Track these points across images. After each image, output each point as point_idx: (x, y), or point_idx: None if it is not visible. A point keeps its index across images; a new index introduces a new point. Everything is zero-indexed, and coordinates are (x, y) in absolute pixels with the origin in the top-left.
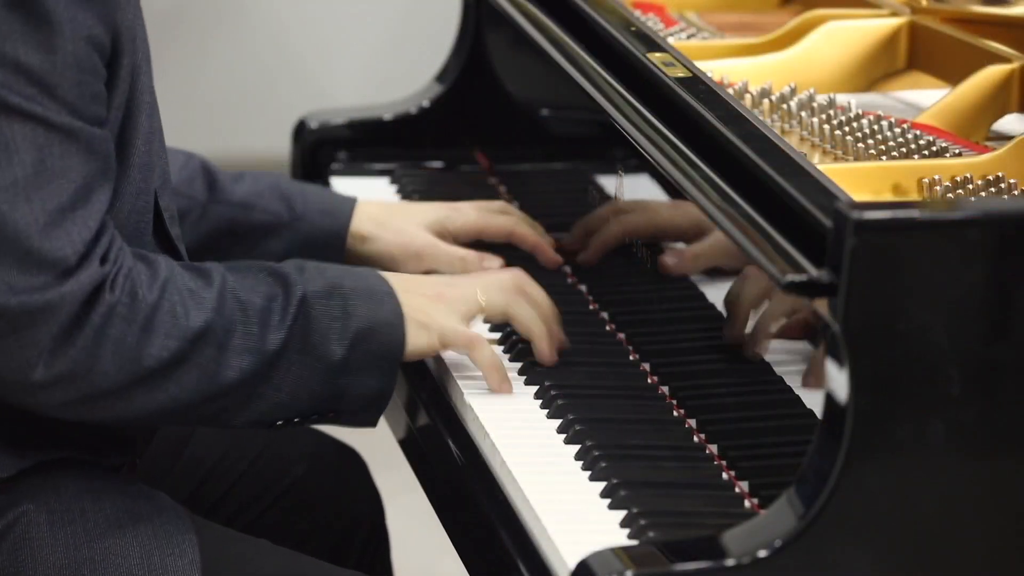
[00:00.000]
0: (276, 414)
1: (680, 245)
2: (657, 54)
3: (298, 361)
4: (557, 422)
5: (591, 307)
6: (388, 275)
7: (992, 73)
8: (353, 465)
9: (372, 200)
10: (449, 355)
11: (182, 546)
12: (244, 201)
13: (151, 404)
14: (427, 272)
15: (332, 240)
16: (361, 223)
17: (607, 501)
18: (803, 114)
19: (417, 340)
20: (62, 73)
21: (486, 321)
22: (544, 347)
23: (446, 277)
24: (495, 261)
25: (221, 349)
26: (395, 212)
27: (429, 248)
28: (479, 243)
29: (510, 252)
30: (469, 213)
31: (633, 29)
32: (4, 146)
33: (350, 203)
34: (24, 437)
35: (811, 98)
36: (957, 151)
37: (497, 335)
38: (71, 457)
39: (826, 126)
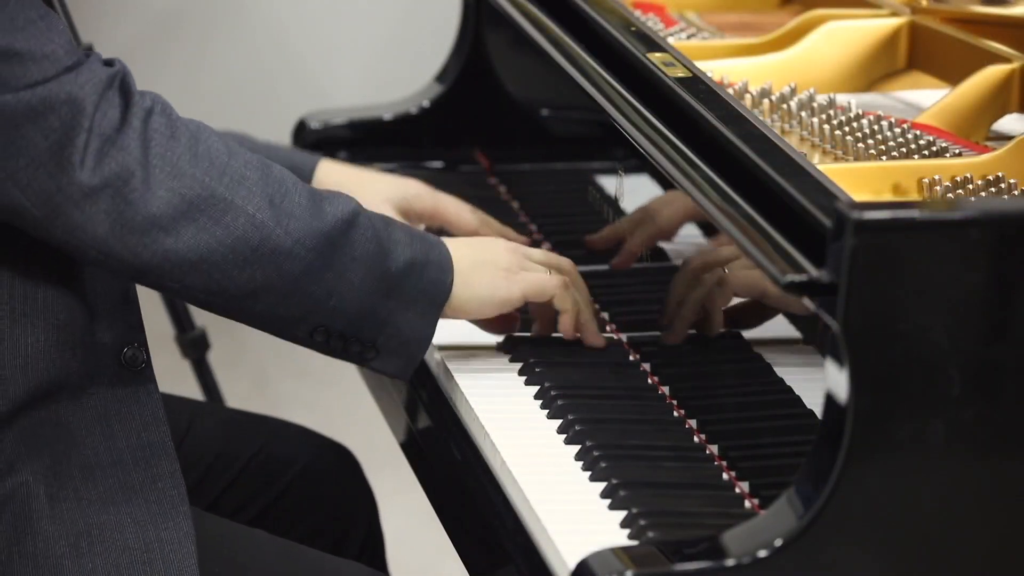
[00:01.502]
0: (319, 318)
1: (684, 240)
2: (657, 54)
3: (351, 267)
4: (557, 422)
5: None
6: (449, 240)
7: (992, 73)
8: (347, 465)
9: (340, 165)
10: (449, 355)
11: (176, 519)
12: None
13: (196, 245)
14: None
15: None
16: (328, 187)
17: (607, 501)
18: (803, 114)
19: (499, 292)
20: None
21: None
22: (594, 329)
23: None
24: None
25: (272, 205)
26: (361, 180)
27: None
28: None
29: None
30: (441, 200)
31: (633, 29)
32: None
33: (312, 160)
34: (11, 370)
35: (811, 98)
36: (957, 151)
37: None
38: (61, 385)
39: (826, 126)
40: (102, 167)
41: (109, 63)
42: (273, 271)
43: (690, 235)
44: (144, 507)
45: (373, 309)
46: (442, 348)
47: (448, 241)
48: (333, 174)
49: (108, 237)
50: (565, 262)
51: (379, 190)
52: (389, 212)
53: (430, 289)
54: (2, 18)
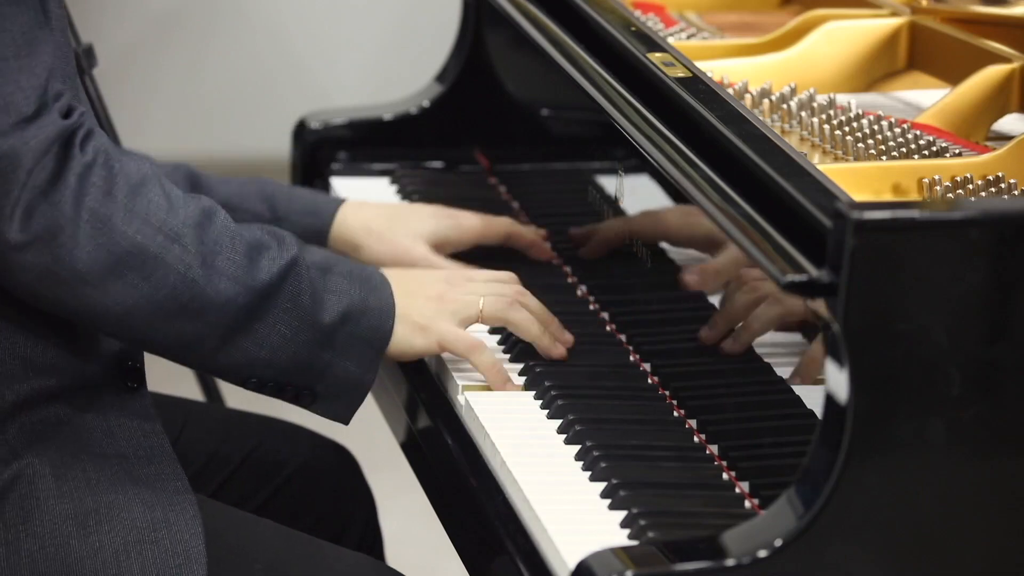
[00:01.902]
0: (253, 370)
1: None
2: (657, 54)
3: (284, 319)
4: (557, 422)
5: (591, 307)
6: (389, 272)
7: (992, 73)
8: (345, 464)
9: (370, 203)
10: (449, 355)
11: (183, 505)
12: (226, 202)
13: (124, 300)
14: None
15: (314, 239)
16: (354, 230)
17: (607, 501)
18: (803, 114)
19: (415, 341)
20: None
21: (484, 324)
22: (546, 344)
23: (446, 275)
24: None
25: (204, 264)
26: (393, 221)
27: (423, 263)
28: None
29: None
30: (465, 223)
31: (633, 29)
32: None
33: (335, 203)
34: (12, 367)
35: (811, 98)
36: (957, 151)
37: (497, 336)
38: (63, 387)
39: (826, 126)
40: (31, 223)
41: (68, 114)
42: (203, 326)
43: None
44: (150, 491)
45: (308, 360)
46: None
47: (397, 283)
48: (359, 217)
49: (35, 285)
50: (506, 278)
51: (411, 229)
52: (423, 249)
53: (368, 336)
54: None
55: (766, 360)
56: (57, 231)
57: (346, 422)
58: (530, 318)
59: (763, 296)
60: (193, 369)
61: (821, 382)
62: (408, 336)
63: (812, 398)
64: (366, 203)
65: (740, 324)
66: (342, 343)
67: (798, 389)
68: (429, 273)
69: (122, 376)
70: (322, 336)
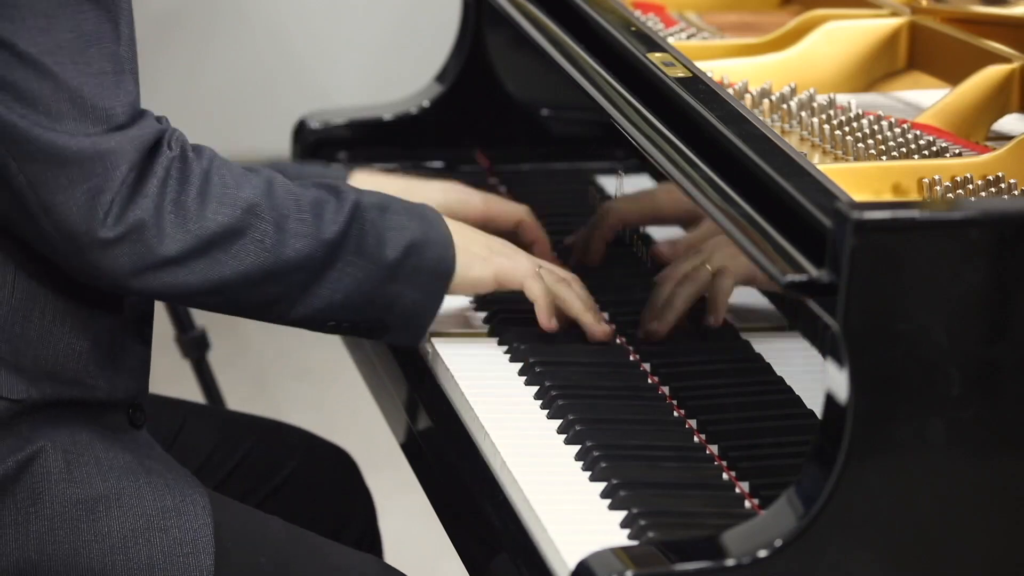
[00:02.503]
0: (330, 314)
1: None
2: (657, 54)
3: (354, 262)
4: (557, 422)
5: None
6: (445, 217)
7: (992, 73)
8: (344, 467)
9: (380, 173)
10: (449, 355)
11: (193, 495)
12: None
13: (212, 276)
14: None
15: None
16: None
17: (607, 501)
18: (803, 114)
19: (472, 270)
20: None
21: (530, 288)
22: (590, 320)
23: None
24: None
25: (277, 228)
26: (401, 191)
27: None
28: None
29: None
30: (478, 199)
31: (633, 29)
32: (43, 12)
33: (343, 174)
34: (34, 367)
35: (811, 98)
36: (957, 151)
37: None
38: (78, 399)
39: (826, 126)
40: (123, 220)
41: (160, 119)
42: (284, 286)
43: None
44: (162, 481)
45: (379, 295)
46: (443, 349)
47: (455, 225)
48: (368, 184)
49: (126, 276)
50: (563, 271)
51: (426, 199)
52: None
53: (432, 267)
54: (84, 58)
55: (766, 360)
56: (146, 224)
57: (415, 345)
58: (577, 298)
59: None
60: (272, 323)
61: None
62: (467, 265)
63: (812, 398)
64: (375, 173)
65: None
66: (408, 275)
67: (798, 389)
68: (471, 228)
69: (127, 415)
70: (389, 271)
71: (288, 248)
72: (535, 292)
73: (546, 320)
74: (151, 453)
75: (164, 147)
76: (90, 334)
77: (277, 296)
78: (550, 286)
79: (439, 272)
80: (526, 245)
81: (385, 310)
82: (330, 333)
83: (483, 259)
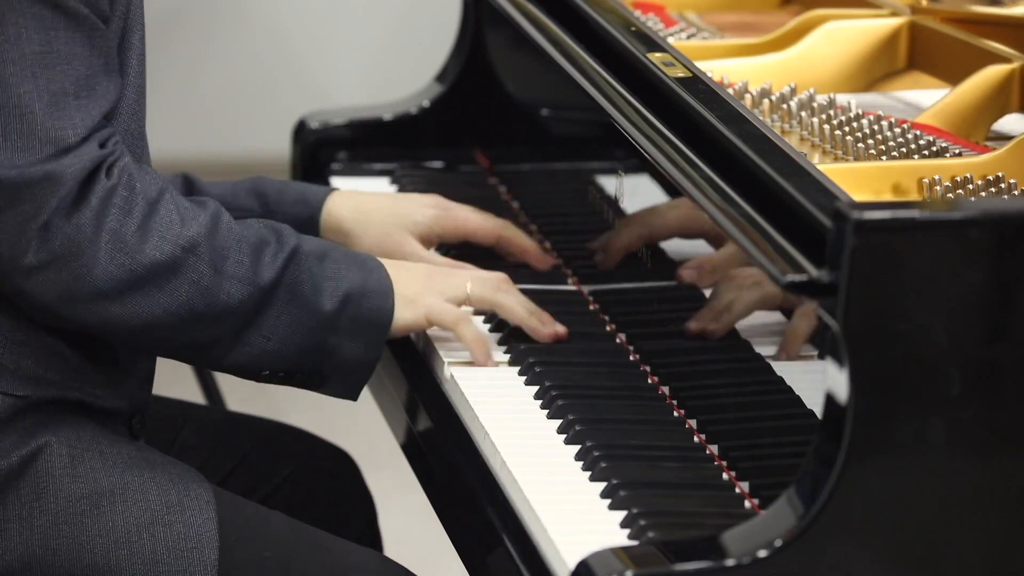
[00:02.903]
0: (263, 362)
1: (686, 245)
2: (657, 54)
3: (287, 310)
4: (557, 422)
5: (591, 307)
6: (385, 261)
7: (992, 73)
8: (345, 467)
9: (362, 192)
10: (449, 355)
11: (197, 491)
12: (219, 198)
13: (142, 312)
14: None
15: (305, 228)
16: (343, 218)
17: (607, 501)
18: (803, 114)
19: (404, 314)
20: None
21: (471, 306)
22: (535, 324)
23: (433, 265)
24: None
25: (214, 269)
26: (384, 210)
27: (414, 259)
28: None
29: (499, 263)
30: (458, 216)
31: (633, 29)
32: (14, 22)
33: (324, 192)
34: (38, 372)
35: (811, 98)
36: (957, 151)
37: (493, 330)
38: (82, 401)
39: (826, 126)
40: (48, 248)
41: (104, 144)
42: (215, 329)
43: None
44: (166, 476)
45: (314, 345)
46: (443, 349)
47: (385, 261)
48: (349, 205)
49: (55, 304)
50: (494, 276)
51: (402, 220)
52: (412, 243)
53: (370, 317)
54: (46, 75)
55: (766, 360)
56: (77, 252)
57: (354, 399)
58: (517, 301)
59: (746, 283)
60: (207, 369)
61: (803, 358)
62: (398, 309)
63: (812, 398)
64: (357, 192)
65: (723, 308)
66: (346, 326)
67: (798, 389)
68: (416, 263)
69: (128, 425)
70: (326, 321)
71: (222, 291)
72: (467, 341)
73: (483, 360)
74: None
75: (102, 175)
76: (94, 346)
77: (210, 340)
78: (489, 297)
79: (377, 323)
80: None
81: (322, 361)
82: (265, 382)
83: (412, 302)
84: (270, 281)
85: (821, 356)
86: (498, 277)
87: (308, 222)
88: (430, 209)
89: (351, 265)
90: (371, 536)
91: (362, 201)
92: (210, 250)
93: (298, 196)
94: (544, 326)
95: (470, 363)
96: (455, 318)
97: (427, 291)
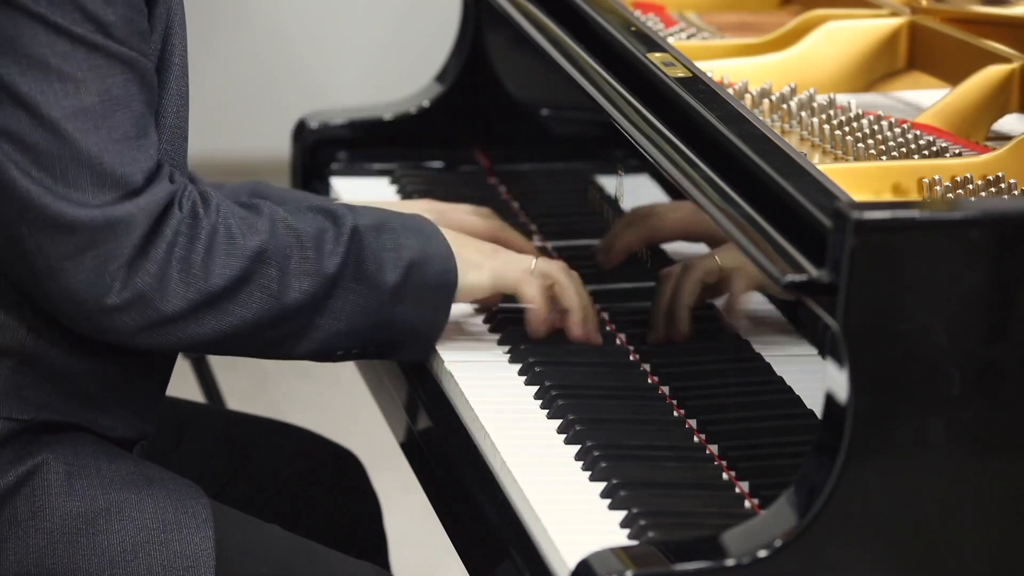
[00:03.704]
0: (336, 343)
1: (686, 247)
2: (657, 54)
3: (354, 288)
4: (557, 422)
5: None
6: (439, 226)
7: (992, 73)
8: (350, 467)
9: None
10: (449, 355)
11: (195, 508)
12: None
13: (220, 327)
14: None
15: None
16: None
17: (607, 501)
18: (803, 114)
19: (469, 277)
20: (115, 10)
21: (533, 279)
22: (581, 317)
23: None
24: None
25: (281, 271)
26: None
27: None
28: None
29: None
30: (453, 219)
31: (633, 29)
32: (71, 75)
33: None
34: (41, 399)
35: (811, 98)
36: (957, 151)
37: (493, 330)
38: (83, 426)
39: (826, 126)
40: (130, 287)
41: (172, 178)
42: (289, 326)
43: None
44: (164, 492)
45: (384, 318)
46: (443, 349)
47: (447, 232)
48: None
49: (136, 338)
50: (560, 262)
51: None
52: None
53: (436, 283)
54: (108, 123)
55: (766, 360)
56: (155, 288)
57: (426, 359)
58: (577, 286)
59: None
60: (279, 359)
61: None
62: (462, 271)
63: (812, 398)
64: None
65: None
66: (412, 295)
67: (798, 389)
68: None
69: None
70: (392, 294)
71: (292, 290)
72: (530, 294)
73: (539, 324)
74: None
75: (175, 209)
76: (103, 379)
77: (283, 336)
78: (553, 273)
79: (443, 286)
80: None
81: (392, 331)
82: (339, 361)
83: (477, 264)
84: (336, 269)
85: (821, 356)
86: (562, 263)
87: None
88: (427, 214)
89: (409, 232)
90: (376, 536)
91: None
92: (275, 254)
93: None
94: (587, 322)
95: (470, 363)
96: (518, 277)
97: (492, 256)
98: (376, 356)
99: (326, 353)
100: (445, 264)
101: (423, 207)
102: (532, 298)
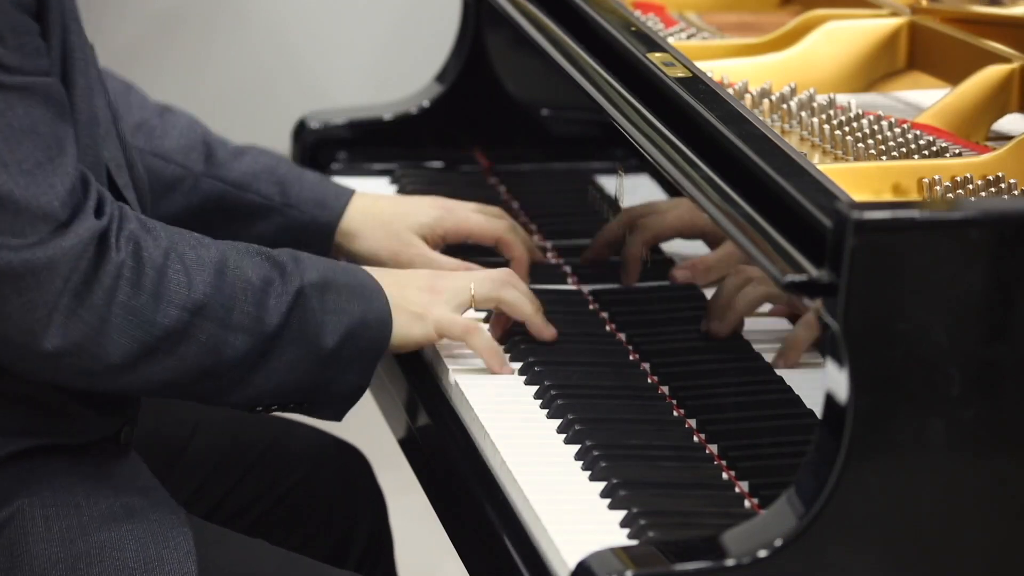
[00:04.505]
0: (262, 399)
1: (685, 245)
2: (657, 54)
3: (290, 351)
4: (557, 422)
5: (591, 307)
6: (378, 271)
7: (992, 73)
8: (356, 465)
9: (374, 195)
10: (449, 355)
11: (176, 539)
12: (238, 181)
13: (154, 378)
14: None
15: (320, 232)
16: (352, 220)
17: (607, 501)
18: (803, 114)
19: (412, 330)
20: (3, 42)
21: (477, 310)
22: (539, 323)
23: (435, 271)
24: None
25: (222, 325)
26: (390, 212)
27: (420, 259)
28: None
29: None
30: (459, 216)
31: (633, 29)
32: None
33: (344, 197)
34: (5, 421)
35: (811, 98)
36: (957, 151)
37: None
38: (56, 444)
39: (826, 126)
40: (67, 330)
41: (99, 210)
42: (222, 380)
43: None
44: (145, 525)
45: (311, 381)
46: (443, 349)
47: (387, 279)
48: (364, 210)
49: (71, 382)
50: (498, 274)
51: (409, 222)
52: (420, 245)
53: (368, 349)
54: (15, 156)
55: (766, 360)
56: (93, 334)
57: (338, 420)
58: (522, 297)
59: (749, 279)
60: (203, 404)
61: (804, 366)
62: (406, 326)
63: (812, 398)
64: (370, 195)
65: (726, 306)
66: (345, 360)
67: (798, 389)
68: (418, 270)
69: (117, 439)
70: (327, 358)
71: (229, 347)
72: (478, 349)
73: (498, 369)
74: (135, 484)
75: (111, 251)
76: (63, 389)
77: (214, 390)
78: (494, 294)
79: (374, 353)
80: (504, 262)
81: (316, 392)
82: (255, 414)
83: (420, 317)
84: (275, 327)
85: (821, 356)
86: (502, 273)
87: (325, 226)
88: (434, 210)
89: (352, 296)
90: (381, 533)
91: (368, 203)
92: (217, 307)
93: (318, 196)
94: (547, 327)
95: (470, 363)
96: (464, 329)
97: (433, 303)
98: (293, 411)
99: (247, 407)
100: (381, 331)
101: (429, 203)
102: (483, 352)
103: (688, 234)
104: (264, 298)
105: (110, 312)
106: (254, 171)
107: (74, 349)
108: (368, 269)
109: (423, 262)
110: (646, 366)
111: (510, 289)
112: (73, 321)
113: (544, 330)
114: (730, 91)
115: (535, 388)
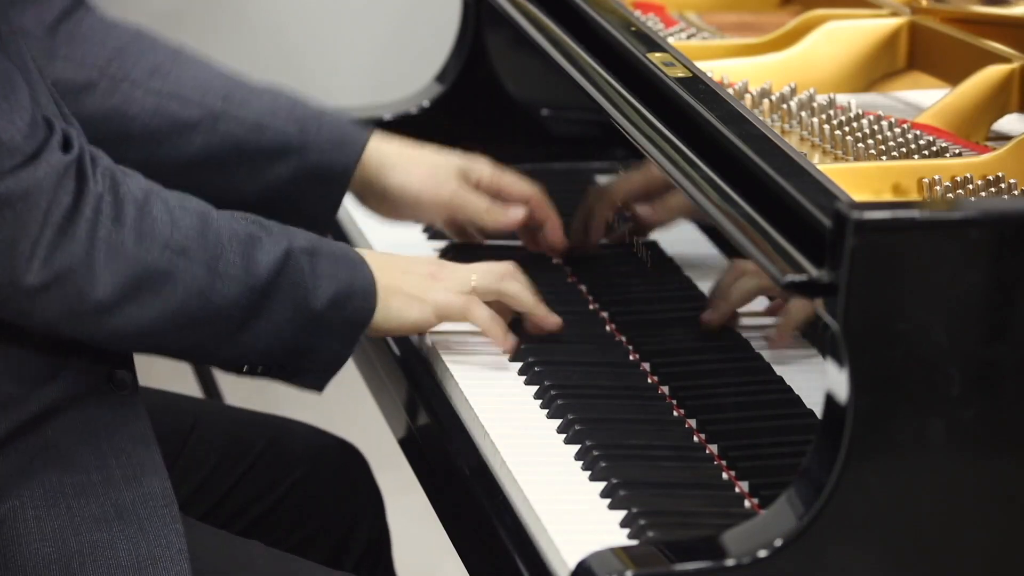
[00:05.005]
0: (249, 358)
1: (681, 240)
2: (657, 54)
3: (280, 309)
4: (557, 422)
5: (591, 307)
6: (380, 255)
7: (992, 73)
8: (355, 464)
9: (392, 142)
10: (448, 354)
11: (168, 537)
12: (257, 122)
13: (140, 320)
14: (448, 219)
15: (339, 173)
16: (386, 153)
17: (607, 501)
18: (803, 114)
19: (410, 312)
20: None
21: (475, 323)
22: (541, 313)
23: (438, 260)
24: (519, 210)
25: (209, 270)
26: (428, 152)
27: (457, 197)
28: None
29: (509, 253)
30: (495, 168)
31: (633, 29)
32: None
33: (363, 137)
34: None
35: (811, 98)
36: (957, 151)
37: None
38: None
39: (826, 126)
40: (52, 263)
41: (67, 143)
42: (211, 330)
43: (692, 236)
44: (137, 525)
45: (298, 344)
46: (443, 348)
47: (369, 257)
48: (389, 144)
49: (57, 322)
50: (500, 267)
51: (448, 163)
52: (450, 179)
53: (352, 318)
54: None
55: (766, 360)
56: (76, 266)
57: (320, 391)
58: (524, 289)
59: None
60: (193, 364)
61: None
62: (404, 308)
63: (812, 398)
64: (390, 142)
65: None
66: (329, 326)
67: (798, 389)
68: (419, 257)
69: (112, 386)
70: (314, 322)
71: (216, 293)
72: (480, 322)
73: (502, 342)
74: (130, 469)
75: (89, 181)
76: (50, 345)
77: (203, 340)
78: (495, 287)
79: (359, 323)
80: (537, 226)
81: (302, 357)
82: (239, 375)
83: (420, 300)
84: (264, 282)
85: (822, 356)
86: (504, 266)
87: (343, 168)
88: (466, 160)
89: (340, 263)
90: (380, 531)
91: (397, 142)
92: (202, 250)
93: (335, 136)
94: (549, 317)
95: (470, 362)
96: (463, 305)
97: (433, 288)
98: (273, 378)
99: (234, 366)
100: (366, 301)
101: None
102: (483, 325)
103: (652, 194)
104: (251, 250)
105: (93, 246)
106: (273, 109)
107: (60, 283)
108: (371, 253)
109: (460, 201)
110: (646, 366)
111: (512, 281)
112: (56, 255)
113: (547, 320)
114: (730, 91)
115: (535, 388)
